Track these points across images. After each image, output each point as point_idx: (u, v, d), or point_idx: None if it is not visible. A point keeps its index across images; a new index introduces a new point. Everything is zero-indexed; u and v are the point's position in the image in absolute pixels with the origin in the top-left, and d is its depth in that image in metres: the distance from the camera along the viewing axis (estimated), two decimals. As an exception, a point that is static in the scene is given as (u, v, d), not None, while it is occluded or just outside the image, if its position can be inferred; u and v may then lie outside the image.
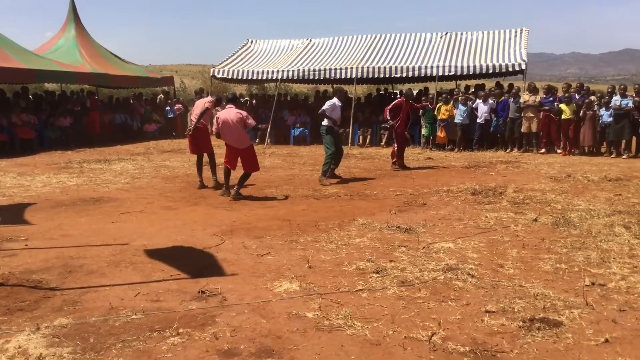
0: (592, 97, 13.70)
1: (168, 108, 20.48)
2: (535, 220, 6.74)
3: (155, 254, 5.55)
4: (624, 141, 13.04)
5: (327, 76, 17.10)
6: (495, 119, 14.61)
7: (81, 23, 20.45)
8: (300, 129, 17.71)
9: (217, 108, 9.95)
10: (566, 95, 13.68)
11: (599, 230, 6.19)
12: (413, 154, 13.89)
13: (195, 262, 5.32)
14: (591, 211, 7.14)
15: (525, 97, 14.11)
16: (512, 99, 14.37)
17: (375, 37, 18.57)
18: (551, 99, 13.89)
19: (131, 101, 20.88)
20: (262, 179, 10.50)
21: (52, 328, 3.82)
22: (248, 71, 17.95)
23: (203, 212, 7.67)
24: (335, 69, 16.84)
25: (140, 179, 10.50)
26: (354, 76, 16.59)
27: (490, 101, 14.63)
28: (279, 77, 17.55)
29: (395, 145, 11.53)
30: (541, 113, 13.81)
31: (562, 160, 12.57)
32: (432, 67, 15.96)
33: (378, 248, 5.68)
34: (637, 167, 11.19)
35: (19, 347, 3.51)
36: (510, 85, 16.21)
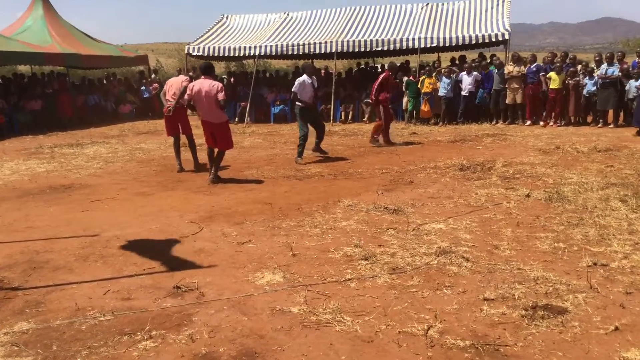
0: (579, 67, 13.39)
1: (143, 88, 19.86)
2: (528, 196, 6.47)
3: (128, 246, 5.18)
4: (611, 110, 12.81)
5: (306, 51, 16.63)
6: (480, 90, 14.28)
7: (49, 1, 19.59)
8: (281, 106, 17.23)
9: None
10: (557, 64, 13.35)
11: (594, 204, 5.94)
12: (397, 130, 13.54)
13: (171, 254, 4.95)
14: (584, 184, 6.89)
15: (509, 67, 13.78)
16: (496, 70, 14.04)
17: (355, 9, 18.03)
18: (534, 69, 13.57)
19: (104, 82, 20.21)
20: (242, 159, 10.12)
21: (11, 335, 3.47)
22: (225, 48, 17.38)
23: (180, 197, 7.28)
24: (314, 44, 16.36)
25: (113, 164, 10.04)
26: (333, 50, 16.15)
27: (475, 73, 14.28)
28: (257, 53, 17.00)
29: (382, 120, 11.18)
30: (526, 84, 13.50)
31: (549, 132, 12.31)
32: (413, 39, 15.54)
33: (366, 231, 5.36)
34: (625, 137, 10.98)
35: (-29, 360, 3.15)
36: (493, 56, 15.87)
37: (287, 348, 3.19)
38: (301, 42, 16.56)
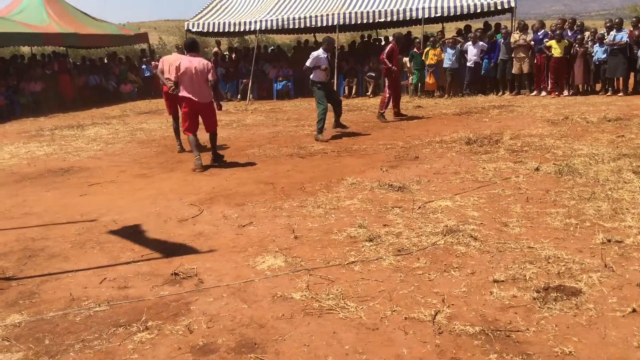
0: (587, 33, 13.00)
1: (144, 66, 19.59)
2: (537, 169, 6.26)
3: (126, 231, 5.04)
4: (620, 78, 12.48)
5: (308, 24, 16.26)
6: (486, 61, 13.93)
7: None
8: (283, 82, 16.96)
9: None
10: (557, 31, 12.94)
11: (606, 177, 5.73)
12: (402, 103, 13.25)
13: (170, 239, 4.81)
14: (595, 156, 6.67)
15: (515, 36, 13.41)
16: (503, 40, 13.67)
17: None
18: (541, 36, 13.20)
19: (105, 61, 19.95)
20: (244, 138, 9.94)
21: (2, 328, 3.35)
22: (225, 23, 17.04)
23: (180, 178, 7.12)
24: (316, 16, 15.99)
25: (114, 145, 9.88)
26: (335, 23, 15.79)
27: (481, 43, 13.92)
28: (257, 27, 16.63)
29: (388, 93, 10.90)
30: (533, 53, 13.14)
31: (557, 102, 12.02)
32: (417, 9, 15.15)
33: (370, 210, 5.19)
34: (636, 105, 10.68)
35: (-40, 357, 3.04)
36: (498, 25, 15.46)
37: (288, 338, 3.06)
38: (302, 16, 16.19)
